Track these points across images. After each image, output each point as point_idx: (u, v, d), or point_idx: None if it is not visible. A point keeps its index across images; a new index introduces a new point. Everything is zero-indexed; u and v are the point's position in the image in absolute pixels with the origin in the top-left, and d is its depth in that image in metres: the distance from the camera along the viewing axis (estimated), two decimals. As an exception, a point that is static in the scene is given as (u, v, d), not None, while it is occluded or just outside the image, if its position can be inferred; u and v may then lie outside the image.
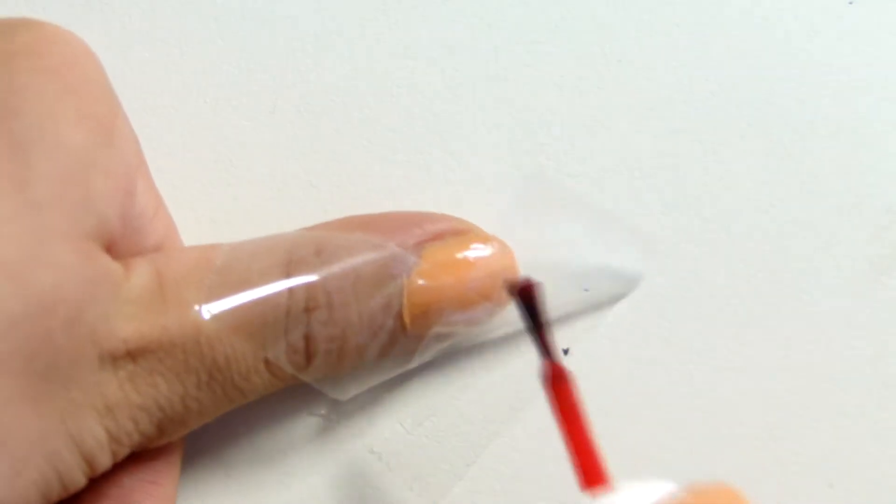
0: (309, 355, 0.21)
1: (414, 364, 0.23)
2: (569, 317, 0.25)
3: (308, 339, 0.21)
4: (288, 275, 0.21)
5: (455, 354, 0.25)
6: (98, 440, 0.19)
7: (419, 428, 0.25)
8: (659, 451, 0.25)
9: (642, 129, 0.26)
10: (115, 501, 0.21)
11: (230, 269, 0.20)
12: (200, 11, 0.26)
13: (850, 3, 0.27)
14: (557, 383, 0.19)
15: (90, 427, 0.19)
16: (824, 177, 0.26)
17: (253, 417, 0.24)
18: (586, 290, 0.25)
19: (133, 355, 0.19)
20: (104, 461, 0.19)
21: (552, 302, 0.24)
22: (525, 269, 0.24)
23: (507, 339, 0.25)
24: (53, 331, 0.18)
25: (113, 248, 0.20)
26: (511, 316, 0.24)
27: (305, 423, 0.24)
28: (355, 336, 0.21)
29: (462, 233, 0.23)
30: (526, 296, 0.21)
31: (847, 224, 0.26)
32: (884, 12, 0.27)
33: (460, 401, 0.25)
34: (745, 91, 0.26)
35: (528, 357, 0.25)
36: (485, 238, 0.23)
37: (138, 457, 0.21)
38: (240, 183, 0.25)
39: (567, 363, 0.25)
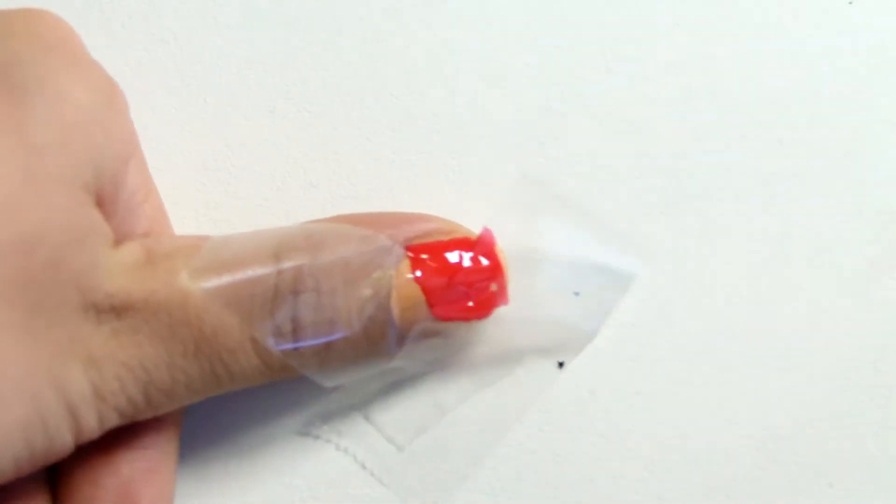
0: (296, 340, 0.21)
1: (402, 359, 0.23)
2: (562, 327, 0.25)
3: (295, 322, 0.21)
4: (277, 257, 0.21)
5: (447, 368, 0.25)
6: (82, 393, 0.19)
7: (412, 444, 0.25)
8: (659, 450, 0.25)
9: (642, 129, 0.26)
10: (114, 490, 0.21)
11: (221, 248, 0.21)
12: (200, 11, 0.26)
13: (850, 3, 0.27)
14: None
15: (75, 377, 0.19)
16: (824, 177, 0.26)
17: (247, 426, 0.24)
18: (577, 293, 0.25)
19: (117, 311, 0.19)
20: (90, 420, 0.19)
21: (543, 303, 0.24)
22: (515, 271, 0.24)
23: (499, 357, 0.25)
24: (35, 269, 0.18)
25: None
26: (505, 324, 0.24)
27: (298, 441, 0.24)
28: (343, 324, 0.21)
29: (449, 232, 0.23)
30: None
31: (847, 224, 0.26)
32: (884, 12, 0.27)
33: (454, 416, 0.25)
34: (744, 91, 0.26)
35: (519, 373, 0.25)
36: (472, 236, 0.23)
37: (135, 445, 0.21)
38: (240, 183, 0.25)
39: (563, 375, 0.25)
